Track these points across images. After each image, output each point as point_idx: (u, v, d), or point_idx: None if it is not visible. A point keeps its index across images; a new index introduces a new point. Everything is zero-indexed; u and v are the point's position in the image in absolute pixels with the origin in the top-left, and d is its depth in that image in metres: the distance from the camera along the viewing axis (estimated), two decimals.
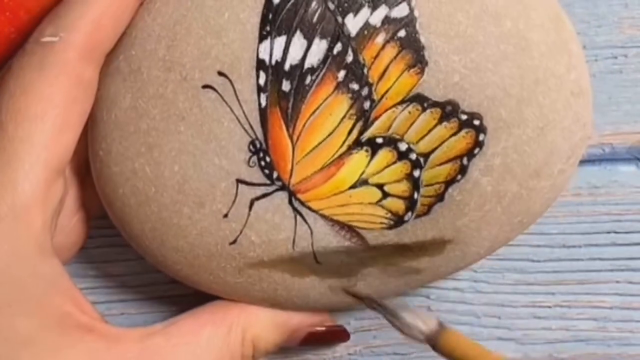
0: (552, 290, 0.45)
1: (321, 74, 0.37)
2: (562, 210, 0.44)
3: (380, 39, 0.37)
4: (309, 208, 0.39)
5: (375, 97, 0.37)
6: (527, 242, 0.44)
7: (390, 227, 0.39)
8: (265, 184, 0.38)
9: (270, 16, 0.37)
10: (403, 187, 0.38)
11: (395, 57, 0.37)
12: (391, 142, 0.38)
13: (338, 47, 0.37)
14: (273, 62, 0.37)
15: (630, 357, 0.45)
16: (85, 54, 0.37)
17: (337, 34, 0.37)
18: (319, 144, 0.38)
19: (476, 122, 0.38)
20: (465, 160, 0.38)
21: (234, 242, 0.39)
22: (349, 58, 0.37)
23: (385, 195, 0.38)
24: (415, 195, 0.39)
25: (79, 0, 0.37)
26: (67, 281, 0.38)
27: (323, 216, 0.39)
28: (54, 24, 0.37)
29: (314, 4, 0.37)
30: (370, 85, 0.37)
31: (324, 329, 0.42)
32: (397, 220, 0.39)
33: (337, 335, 0.43)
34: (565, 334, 0.45)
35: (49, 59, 0.36)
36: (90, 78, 0.37)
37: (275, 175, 0.38)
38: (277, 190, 0.38)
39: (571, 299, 0.44)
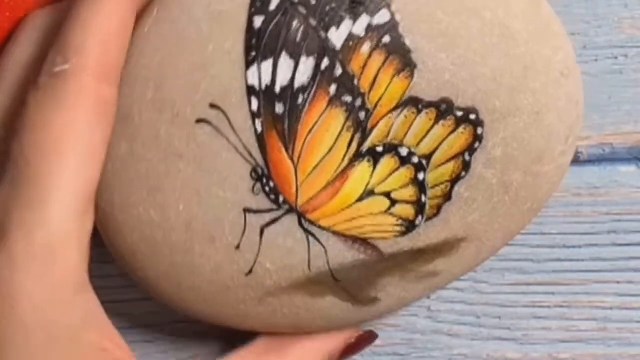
0: (552, 290, 0.45)
1: (312, 91, 0.37)
2: (562, 210, 0.44)
3: (365, 47, 0.37)
4: (320, 226, 0.38)
5: (369, 106, 0.37)
6: (527, 242, 0.44)
7: (402, 234, 0.39)
8: (272, 209, 0.38)
9: (254, 41, 0.37)
10: (410, 192, 0.38)
11: (383, 64, 0.37)
12: (391, 148, 0.38)
13: (325, 62, 0.37)
14: (263, 86, 0.37)
15: (631, 357, 0.45)
16: (100, 74, 0.36)
17: (323, 49, 0.37)
18: (320, 160, 0.38)
19: (472, 117, 0.38)
20: (467, 156, 0.38)
21: (250, 272, 0.39)
22: (338, 71, 0.37)
23: (393, 202, 0.38)
24: (423, 198, 0.38)
25: (79, 24, 0.36)
26: (103, 316, 0.37)
27: (335, 232, 0.38)
28: (61, 52, 0.36)
29: (295, 22, 0.37)
30: (362, 95, 0.37)
31: (353, 340, 0.42)
32: (409, 226, 0.39)
33: (367, 341, 0.43)
34: (565, 334, 0.45)
35: (65, 87, 0.35)
36: (110, 97, 0.36)
37: (281, 198, 0.38)
38: (285, 213, 0.38)
39: (571, 299, 0.45)
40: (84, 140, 0.36)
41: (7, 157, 0.36)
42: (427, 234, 0.39)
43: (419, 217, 0.39)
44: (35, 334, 0.35)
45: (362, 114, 0.37)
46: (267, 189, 0.38)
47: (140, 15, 0.38)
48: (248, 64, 0.37)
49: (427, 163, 0.38)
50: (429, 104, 0.38)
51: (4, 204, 0.35)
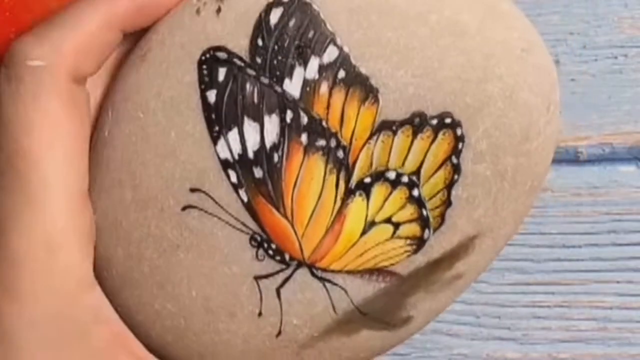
0: (552, 290, 0.44)
1: (285, 146, 0.37)
2: (562, 210, 0.44)
3: (324, 88, 0.37)
4: (333, 271, 0.38)
5: (345, 143, 0.37)
6: (527, 242, 0.44)
7: (415, 252, 0.39)
8: (282, 270, 0.38)
9: (213, 116, 0.36)
10: (410, 211, 0.38)
11: (346, 99, 0.37)
12: (379, 176, 0.37)
13: (289, 114, 0.36)
14: (236, 156, 0.37)
15: (631, 357, 0.44)
16: (76, 75, 0.36)
17: (283, 103, 0.36)
18: (314, 210, 0.37)
19: (448, 121, 0.37)
20: (454, 159, 0.38)
21: (279, 333, 0.39)
22: (304, 120, 0.37)
23: (397, 226, 0.38)
24: (425, 213, 0.38)
25: (65, 23, 0.35)
26: (112, 312, 0.38)
27: (349, 272, 0.38)
28: (40, 46, 0.35)
29: (248, 86, 0.36)
30: (334, 134, 0.37)
31: None
32: (419, 243, 0.38)
33: None
34: (565, 334, 0.44)
35: (42, 86, 0.35)
36: (82, 98, 0.36)
37: (287, 257, 0.38)
38: (295, 269, 0.38)
39: (571, 299, 0.44)
40: (66, 138, 0.35)
41: None
42: (440, 243, 0.39)
43: (427, 231, 0.38)
44: (46, 332, 0.36)
45: (340, 153, 0.37)
46: (270, 252, 0.38)
47: (96, 121, 0.38)
48: (215, 140, 0.37)
49: (418, 178, 0.38)
50: (403, 123, 0.37)
51: None
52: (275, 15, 0.36)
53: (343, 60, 0.36)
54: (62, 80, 0.35)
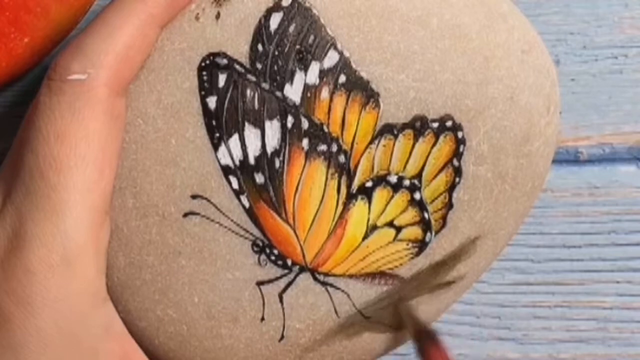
0: (552, 290, 0.44)
1: (286, 152, 0.36)
2: (562, 210, 0.44)
3: (325, 93, 0.36)
4: (335, 275, 0.38)
5: (346, 147, 0.37)
6: (527, 242, 0.44)
7: (417, 254, 0.39)
8: (284, 275, 0.38)
9: (214, 122, 0.36)
10: (411, 214, 0.38)
11: (347, 103, 0.37)
12: (380, 180, 0.37)
13: (290, 120, 0.36)
14: (237, 162, 0.36)
15: (631, 357, 0.44)
16: (114, 88, 0.35)
17: (284, 109, 0.36)
18: (316, 214, 0.37)
19: (449, 124, 0.37)
20: (455, 162, 0.38)
21: (282, 338, 0.39)
22: (305, 125, 0.36)
23: (399, 229, 0.38)
24: (426, 216, 0.38)
25: (103, 33, 0.35)
26: (122, 326, 0.38)
27: (351, 276, 0.38)
28: (79, 60, 0.35)
29: (248, 92, 0.36)
30: (336, 139, 0.37)
31: None
32: (421, 245, 0.38)
33: None
34: (565, 334, 0.44)
35: (80, 99, 0.35)
36: (121, 110, 0.36)
37: (289, 262, 0.38)
38: (297, 274, 0.38)
39: (571, 299, 0.44)
40: (98, 153, 0.35)
41: (19, 163, 0.36)
42: (441, 245, 0.39)
43: (428, 234, 0.38)
44: (56, 343, 0.35)
45: (341, 158, 0.37)
46: (272, 257, 0.37)
47: None
48: (216, 146, 0.36)
49: (420, 182, 0.38)
50: (404, 126, 0.37)
51: (19, 214, 0.35)
52: (275, 21, 0.36)
53: (344, 64, 0.36)
54: (101, 93, 0.35)
